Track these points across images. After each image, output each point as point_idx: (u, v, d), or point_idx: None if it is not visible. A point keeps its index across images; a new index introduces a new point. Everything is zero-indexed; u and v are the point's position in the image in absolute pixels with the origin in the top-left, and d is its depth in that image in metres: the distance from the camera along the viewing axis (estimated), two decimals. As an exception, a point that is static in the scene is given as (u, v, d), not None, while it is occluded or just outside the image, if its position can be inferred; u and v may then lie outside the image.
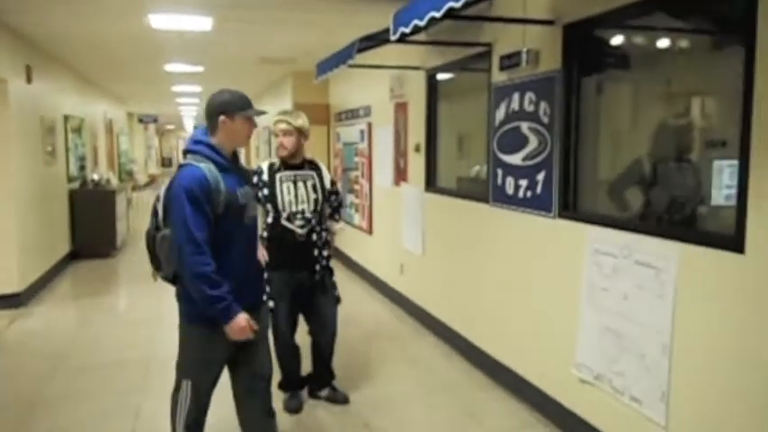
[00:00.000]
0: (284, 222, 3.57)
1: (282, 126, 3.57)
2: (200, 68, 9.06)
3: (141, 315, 5.99)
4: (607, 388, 3.06)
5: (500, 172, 4.02)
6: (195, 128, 11.90)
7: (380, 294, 6.63)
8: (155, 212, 2.63)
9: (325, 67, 5.02)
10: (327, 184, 3.74)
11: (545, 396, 3.63)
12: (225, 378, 2.76)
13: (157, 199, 2.64)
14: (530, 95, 3.65)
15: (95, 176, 9.63)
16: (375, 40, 4.20)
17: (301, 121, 3.59)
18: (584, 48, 3.31)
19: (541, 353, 3.68)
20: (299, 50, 7.24)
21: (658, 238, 2.72)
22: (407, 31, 3.25)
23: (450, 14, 2.93)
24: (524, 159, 3.73)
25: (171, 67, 8.95)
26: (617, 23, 3.17)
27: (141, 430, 3.55)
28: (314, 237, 3.63)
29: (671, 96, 3.28)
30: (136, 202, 15.61)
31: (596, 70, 3.39)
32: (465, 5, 2.77)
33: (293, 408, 3.73)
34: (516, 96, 3.79)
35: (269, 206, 3.58)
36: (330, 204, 3.84)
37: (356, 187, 7.56)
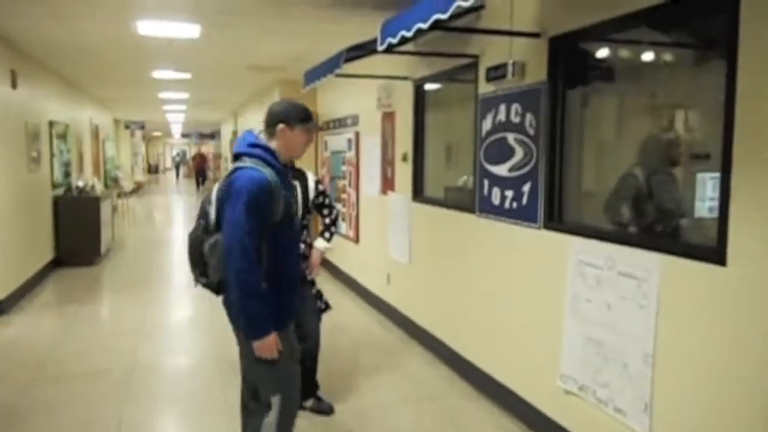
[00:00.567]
0: None
1: None
2: (187, 75, 9.04)
3: (124, 324, 5.90)
4: (591, 399, 3.06)
5: (486, 182, 4.04)
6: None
7: (367, 304, 6.62)
8: (203, 215, 2.52)
9: (313, 76, 5.02)
10: (311, 194, 3.71)
11: (529, 406, 3.63)
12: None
13: (208, 201, 2.54)
14: (516, 107, 3.68)
15: (80, 183, 9.55)
16: (363, 50, 4.21)
17: None
18: (569, 60, 3.34)
19: (526, 363, 3.68)
20: (288, 58, 7.24)
21: (641, 250, 2.74)
22: (395, 41, 3.26)
23: (438, 26, 2.95)
24: (510, 170, 3.75)
25: (158, 74, 8.92)
26: (602, 37, 3.20)
27: (123, 441, 3.51)
28: None
29: (655, 109, 3.32)
30: (121, 209, 15.50)
31: (581, 83, 3.42)
32: (452, 17, 2.79)
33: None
34: (503, 108, 3.82)
35: None
36: (320, 211, 3.81)
37: (343, 196, 7.55)
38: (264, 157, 2.47)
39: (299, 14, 5.12)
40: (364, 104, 6.59)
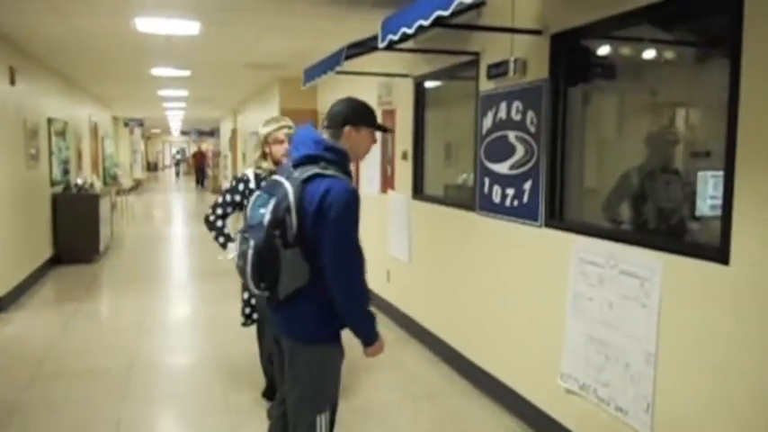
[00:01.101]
0: None
1: (288, 131, 3.57)
2: (186, 73, 9.02)
3: (123, 321, 5.89)
4: (592, 398, 3.05)
5: (487, 180, 4.02)
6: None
7: (366, 302, 6.60)
8: (279, 223, 2.20)
9: (313, 73, 5.01)
10: None
11: (530, 405, 3.62)
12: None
13: (287, 210, 2.21)
14: (517, 104, 3.66)
15: (79, 180, 9.53)
16: (363, 47, 4.20)
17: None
18: (570, 58, 3.33)
19: (527, 362, 3.67)
20: (288, 56, 7.22)
21: (643, 248, 2.73)
22: (396, 38, 3.24)
23: (439, 23, 2.93)
24: (511, 168, 3.74)
25: (158, 71, 8.89)
26: (604, 34, 3.19)
27: (121, 439, 3.50)
28: None
29: (657, 107, 3.30)
30: (120, 206, 15.48)
31: (583, 80, 3.40)
32: (453, 14, 2.78)
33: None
34: (503, 105, 3.80)
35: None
36: None
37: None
38: (343, 164, 2.35)
39: (299, 12, 5.10)
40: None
